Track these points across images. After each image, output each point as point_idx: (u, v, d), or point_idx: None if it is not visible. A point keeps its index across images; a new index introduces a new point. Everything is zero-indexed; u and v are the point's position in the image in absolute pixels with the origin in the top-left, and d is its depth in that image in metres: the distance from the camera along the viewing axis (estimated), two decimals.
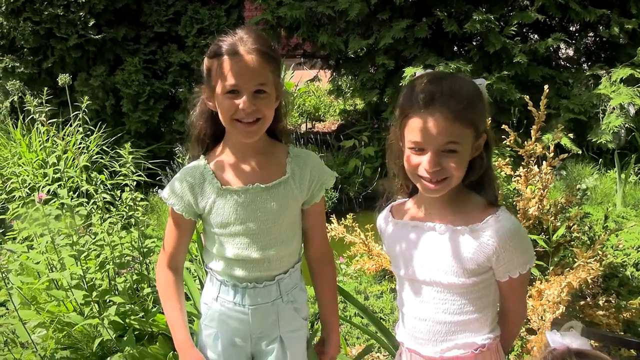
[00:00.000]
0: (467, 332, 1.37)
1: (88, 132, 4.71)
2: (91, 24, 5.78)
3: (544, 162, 2.88)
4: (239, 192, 1.56)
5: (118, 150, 5.14)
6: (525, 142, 2.84)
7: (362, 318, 3.07)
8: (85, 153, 4.79)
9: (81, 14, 5.73)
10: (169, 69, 6.21)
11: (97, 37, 5.83)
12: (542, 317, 2.33)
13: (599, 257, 2.44)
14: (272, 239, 1.59)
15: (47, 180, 2.91)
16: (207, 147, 1.65)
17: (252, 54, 1.45)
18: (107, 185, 2.97)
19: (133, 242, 3.00)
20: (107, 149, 5.20)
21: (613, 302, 2.66)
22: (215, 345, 1.66)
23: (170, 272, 1.66)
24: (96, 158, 4.87)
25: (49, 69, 5.92)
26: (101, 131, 5.35)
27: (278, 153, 1.63)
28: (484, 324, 1.38)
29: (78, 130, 3.23)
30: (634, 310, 2.62)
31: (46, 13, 5.62)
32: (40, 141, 4.95)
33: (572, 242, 2.69)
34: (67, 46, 5.74)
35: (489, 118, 1.62)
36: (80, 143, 4.76)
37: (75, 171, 3.30)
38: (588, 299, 2.86)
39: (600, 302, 2.61)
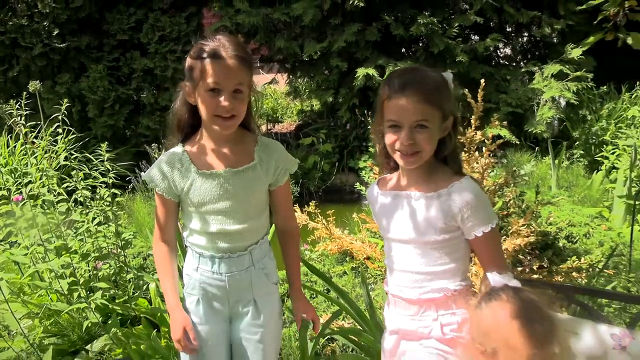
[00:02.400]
0: (442, 280, 1.58)
1: (56, 137, 4.77)
2: (55, 33, 5.83)
3: (484, 148, 3.15)
4: (213, 175, 1.74)
5: (87, 154, 5.23)
6: (466, 131, 3.11)
7: (328, 293, 3.29)
8: (54, 159, 4.86)
9: (45, 23, 5.78)
10: (132, 75, 6.30)
11: (61, 45, 5.88)
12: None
13: (531, 226, 2.71)
14: (242, 215, 1.78)
15: (30, 178, 3.02)
16: (185, 136, 1.82)
17: (232, 59, 1.62)
18: (77, 187, 3.09)
19: (113, 234, 3.12)
20: (74, 153, 5.27)
21: (546, 267, 2.94)
22: (197, 310, 1.83)
23: (163, 245, 1.85)
24: (65, 162, 4.93)
25: (14, 77, 5.94)
26: (69, 136, 5.41)
27: (248, 142, 1.81)
28: (456, 274, 1.59)
29: (58, 133, 3.34)
30: (563, 274, 2.91)
31: (11, 23, 5.64)
32: (8, 147, 5.00)
33: (509, 217, 2.96)
34: (32, 55, 5.78)
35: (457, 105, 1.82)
36: (48, 147, 4.83)
37: (50, 173, 3.40)
38: (525, 267, 3.15)
39: (535, 267, 2.89)
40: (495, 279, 1.46)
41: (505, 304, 1.35)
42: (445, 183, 1.55)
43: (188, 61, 1.70)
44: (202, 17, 6.98)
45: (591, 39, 5.78)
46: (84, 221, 2.91)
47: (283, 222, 1.95)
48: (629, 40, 5.58)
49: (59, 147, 4.64)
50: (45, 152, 3.98)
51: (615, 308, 2.82)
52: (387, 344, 1.72)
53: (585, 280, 2.79)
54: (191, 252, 1.87)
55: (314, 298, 3.29)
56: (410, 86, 1.50)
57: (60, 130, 3.20)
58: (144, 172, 5.27)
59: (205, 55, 1.63)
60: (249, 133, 1.84)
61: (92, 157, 5.04)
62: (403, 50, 6.92)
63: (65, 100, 3.24)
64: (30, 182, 3.02)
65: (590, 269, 2.89)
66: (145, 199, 5.19)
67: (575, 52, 5.77)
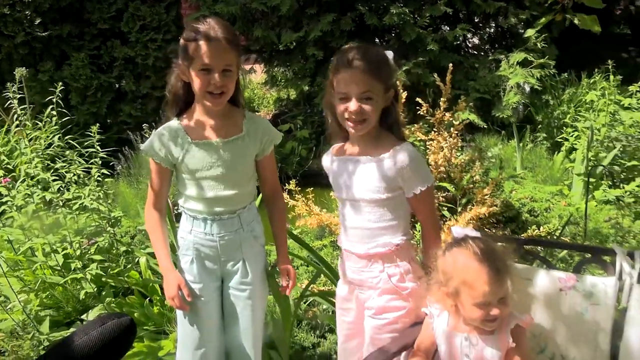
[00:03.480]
0: (386, 235, 1.78)
1: (45, 122, 4.83)
2: (37, 22, 5.87)
3: (452, 128, 3.35)
4: (205, 145, 1.90)
5: (69, 141, 5.29)
6: (435, 112, 3.31)
7: (307, 267, 3.48)
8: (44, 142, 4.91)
9: (27, 12, 5.81)
10: (113, 63, 6.36)
11: (43, 34, 5.91)
12: None
13: (495, 198, 2.92)
14: (232, 182, 1.94)
15: (25, 159, 3.12)
16: (180, 111, 1.97)
17: (222, 41, 1.77)
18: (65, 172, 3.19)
19: (103, 214, 3.24)
20: (57, 141, 5.32)
21: (508, 234, 3.16)
22: (191, 269, 1.98)
23: (155, 212, 2.00)
24: (59, 143, 4.99)
25: None
26: (61, 120, 5.45)
27: (236, 115, 1.97)
28: (398, 229, 1.79)
29: (52, 115, 3.44)
30: None
31: None
32: None
33: (475, 190, 3.18)
34: (14, 43, 5.81)
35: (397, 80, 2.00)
36: (35, 131, 4.88)
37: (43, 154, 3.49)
38: None
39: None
40: (457, 230, 1.66)
41: (464, 250, 1.55)
42: (389, 148, 1.75)
43: (182, 42, 1.84)
44: (180, 7, 7.05)
45: (543, 20, 6.09)
46: (80, 196, 3.02)
47: (270, 189, 2.12)
48: (576, 21, 5.89)
49: (46, 131, 4.71)
50: (30, 140, 4.05)
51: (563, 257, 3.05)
52: (341, 291, 1.94)
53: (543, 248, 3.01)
54: (185, 216, 2.01)
55: (296, 269, 3.46)
56: (356, 61, 1.68)
57: (54, 112, 3.29)
58: (127, 158, 5.31)
59: (197, 37, 1.77)
60: (237, 108, 1.99)
61: (75, 144, 5.11)
62: (376, 39, 7.09)
63: (60, 83, 3.34)
64: (16, 166, 3.12)
65: (549, 237, 3.12)
66: (130, 183, 5.29)
67: (529, 32, 6.06)
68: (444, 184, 2.97)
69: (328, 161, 1.95)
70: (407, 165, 1.71)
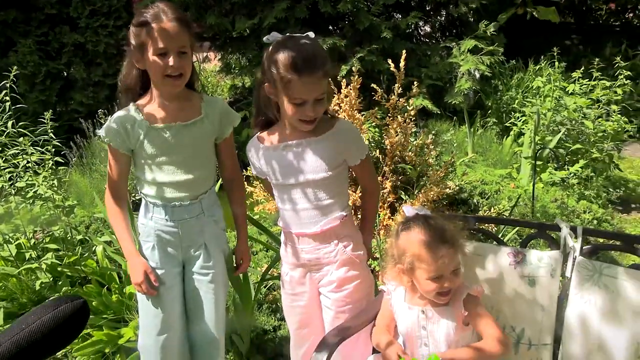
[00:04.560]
0: (335, 209, 1.83)
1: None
2: None
3: (405, 114, 3.42)
4: (164, 129, 1.88)
5: (20, 130, 5.12)
6: (390, 98, 3.37)
7: (267, 251, 3.50)
8: None
9: None
10: (62, 49, 6.17)
11: None
12: None
13: (448, 180, 3.01)
14: (192, 166, 1.93)
15: None
16: (134, 98, 1.94)
17: (174, 22, 1.76)
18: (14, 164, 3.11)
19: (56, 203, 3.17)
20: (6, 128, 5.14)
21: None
22: (153, 255, 1.97)
23: (116, 200, 1.97)
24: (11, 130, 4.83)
25: None
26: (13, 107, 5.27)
27: (194, 99, 1.96)
28: (343, 202, 1.86)
29: (7, 100, 3.31)
30: None
31: None
32: None
33: (429, 173, 3.26)
34: None
35: None
36: None
37: None
38: None
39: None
40: (408, 209, 1.72)
41: (416, 228, 1.61)
42: (329, 125, 1.81)
43: (132, 30, 1.81)
44: None
45: (504, 15, 6.26)
46: (33, 184, 2.95)
47: (229, 175, 2.12)
48: (536, 13, 6.09)
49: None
50: None
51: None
52: (293, 276, 1.95)
53: (495, 227, 3.13)
54: (145, 202, 2.00)
55: (255, 254, 3.49)
56: (311, 69, 1.67)
57: (7, 98, 3.18)
58: (79, 147, 5.19)
59: (148, 21, 1.76)
60: (194, 92, 1.99)
61: (27, 132, 4.94)
62: (330, 27, 7.11)
63: (15, 67, 3.22)
64: None
65: (499, 216, 3.24)
66: (83, 173, 5.17)
67: (490, 29, 6.20)
68: (402, 166, 3.05)
69: (257, 151, 1.91)
70: (352, 136, 1.82)
